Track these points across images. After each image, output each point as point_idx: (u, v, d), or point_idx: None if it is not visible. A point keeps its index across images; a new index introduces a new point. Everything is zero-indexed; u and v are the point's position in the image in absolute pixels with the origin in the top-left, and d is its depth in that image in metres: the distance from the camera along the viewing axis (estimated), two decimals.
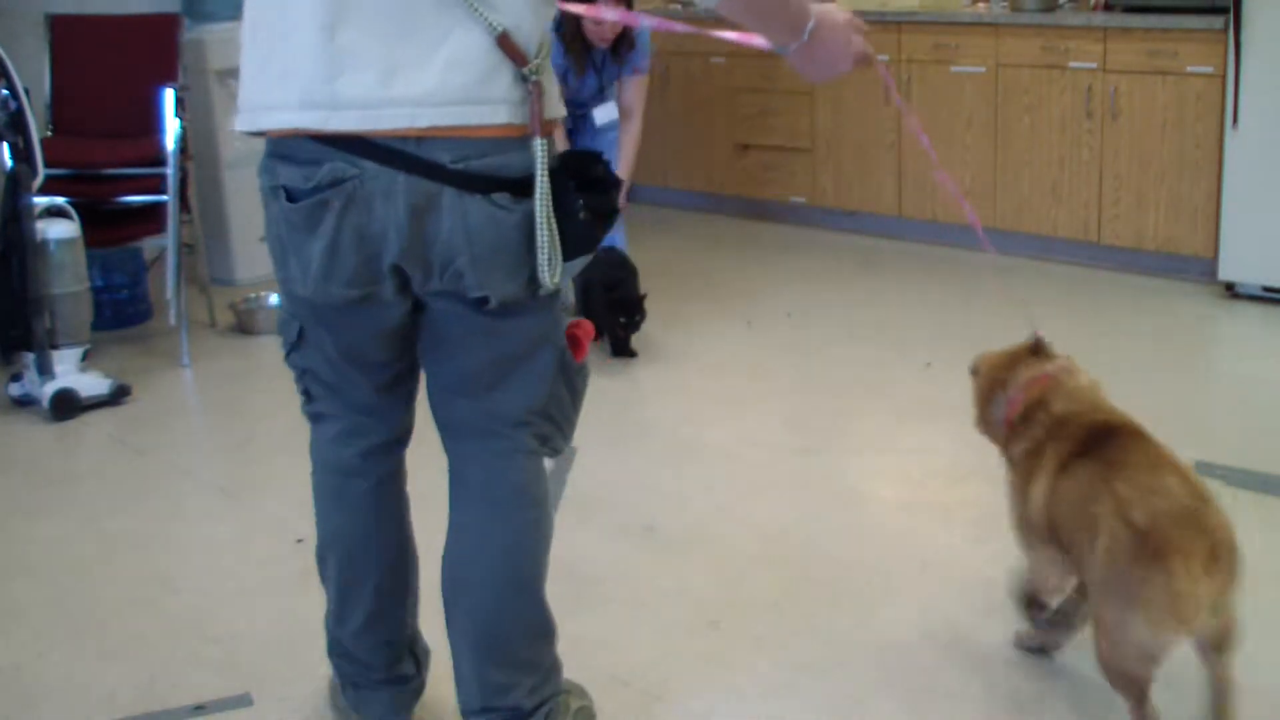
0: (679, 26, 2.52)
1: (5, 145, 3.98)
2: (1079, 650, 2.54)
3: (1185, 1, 4.83)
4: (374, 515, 2.20)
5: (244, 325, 4.86)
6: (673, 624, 2.72)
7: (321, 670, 2.54)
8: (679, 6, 6.50)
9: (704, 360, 4.42)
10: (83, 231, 4.12)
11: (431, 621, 2.42)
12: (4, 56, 3.97)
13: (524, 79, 1.82)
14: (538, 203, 1.82)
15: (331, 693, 2.47)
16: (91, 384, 4.09)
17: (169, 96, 4.52)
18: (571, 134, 4.60)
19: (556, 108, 1.91)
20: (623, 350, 4.40)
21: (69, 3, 5.15)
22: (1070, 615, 2.48)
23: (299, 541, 3.11)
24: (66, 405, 4.01)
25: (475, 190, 1.82)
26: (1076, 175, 5.24)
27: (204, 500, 3.48)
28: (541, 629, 2.17)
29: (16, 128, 3.98)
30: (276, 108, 1.82)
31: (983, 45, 5.41)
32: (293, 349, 2.08)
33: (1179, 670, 2.26)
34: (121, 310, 4.91)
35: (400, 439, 2.21)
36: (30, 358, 4.05)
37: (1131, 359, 4.23)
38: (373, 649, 2.26)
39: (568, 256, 1.88)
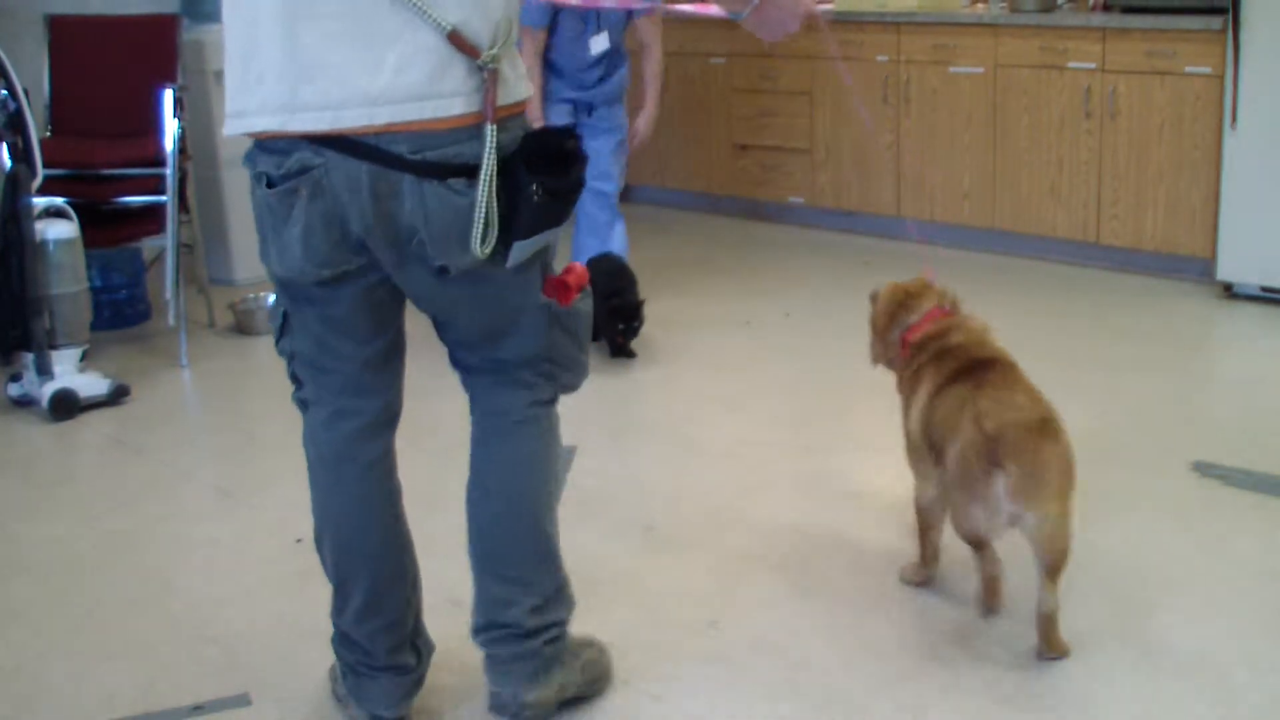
0: (636, 4, 2.67)
1: (4, 145, 3.98)
2: (1079, 650, 2.54)
3: (1184, 2, 4.83)
4: (364, 498, 2.25)
5: (243, 326, 4.86)
6: (673, 624, 2.72)
7: (321, 669, 2.55)
8: None
9: (703, 360, 4.42)
10: (82, 232, 4.12)
11: (435, 621, 2.44)
12: (3, 57, 3.97)
13: (478, 69, 1.94)
14: (481, 185, 1.94)
15: (331, 681, 2.48)
16: (90, 384, 4.09)
17: (168, 97, 4.52)
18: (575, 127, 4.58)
19: (518, 90, 2.03)
20: (621, 351, 4.40)
21: (68, 3, 5.15)
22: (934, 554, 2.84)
23: (298, 541, 3.11)
24: (65, 405, 4.01)
25: (432, 177, 1.95)
26: (1075, 175, 5.24)
27: (203, 500, 3.48)
28: (540, 551, 2.29)
29: (15, 128, 3.98)
30: (251, 113, 1.97)
31: (981, 46, 5.41)
32: (281, 334, 2.20)
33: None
34: (120, 311, 4.92)
35: (388, 421, 2.27)
36: (29, 358, 4.05)
37: (1130, 359, 4.23)
38: (372, 635, 2.28)
39: (524, 234, 2.00)
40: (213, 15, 5.33)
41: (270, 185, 1.99)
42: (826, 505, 3.26)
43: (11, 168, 3.97)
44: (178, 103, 4.53)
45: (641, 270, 4.54)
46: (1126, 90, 5.02)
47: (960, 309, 2.81)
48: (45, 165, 4.05)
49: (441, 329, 2.25)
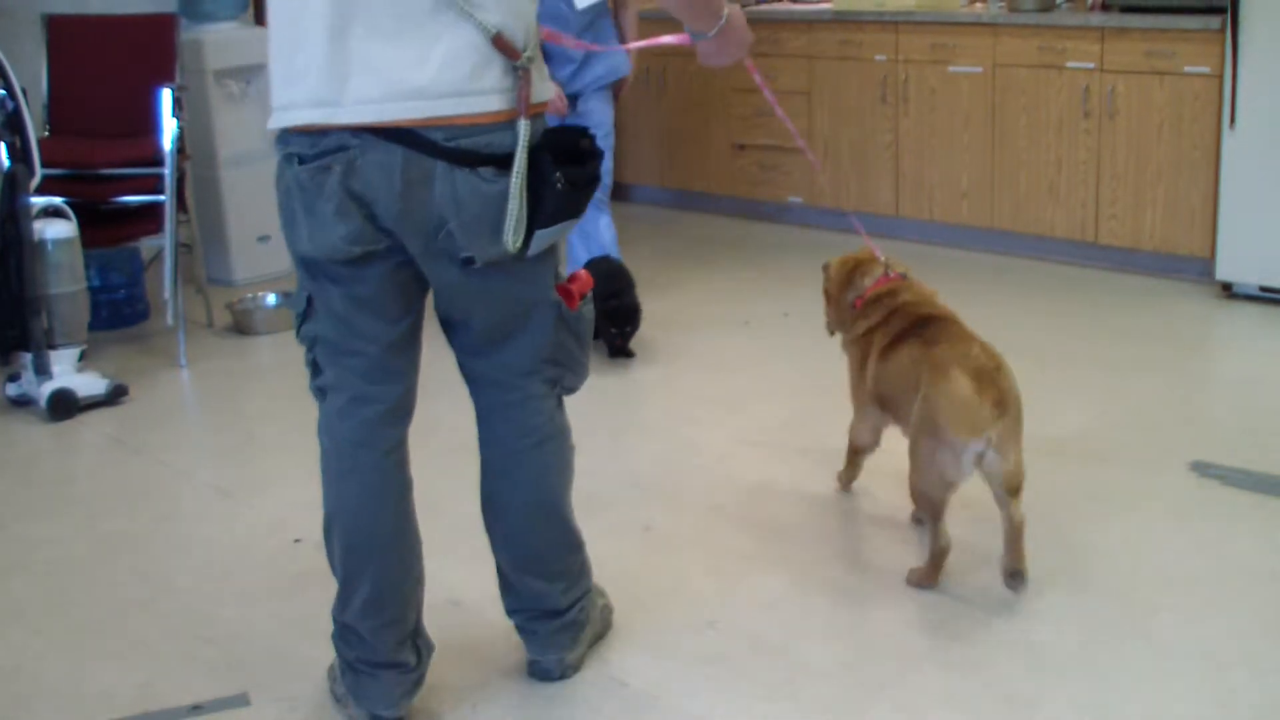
0: (597, 47, 3.04)
1: (2, 145, 3.98)
2: (1078, 651, 2.54)
3: (1183, 2, 4.83)
4: (379, 486, 2.28)
5: (241, 326, 4.86)
6: (671, 624, 2.72)
7: (319, 669, 2.55)
8: None
9: (702, 360, 4.42)
10: (80, 231, 4.11)
11: (435, 621, 2.44)
12: (1, 57, 3.97)
13: (514, 69, 2.05)
14: (514, 177, 2.04)
15: (330, 680, 2.49)
16: (89, 384, 4.09)
17: (166, 96, 4.52)
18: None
19: (543, 91, 2.15)
20: (620, 351, 4.40)
21: (67, 3, 5.14)
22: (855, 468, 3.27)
23: (297, 542, 3.11)
24: (64, 405, 4.01)
25: (464, 164, 2.04)
26: (1074, 175, 5.24)
27: (201, 500, 3.48)
28: (570, 543, 2.47)
29: (14, 128, 3.98)
30: (298, 106, 2.05)
31: (980, 45, 5.41)
32: (302, 321, 2.25)
33: (985, 510, 2.86)
34: (119, 310, 4.91)
35: (403, 411, 2.30)
36: (27, 358, 4.05)
37: (1129, 359, 4.23)
38: (376, 629, 2.29)
39: (547, 223, 2.09)
40: (211, 15, 5.33)
41: (301, 162, 2.05)
42: (826, 505, 3.27)
43: (10, 167, 3.96)
44: (176, 102, 4.52)
45: (639, 270, 4.54)
46: (1125, 90, 5.02)
47: (910, 275, 3.04)
48: (44, 165, 4.05)
49: (453, 331, 2.30)
